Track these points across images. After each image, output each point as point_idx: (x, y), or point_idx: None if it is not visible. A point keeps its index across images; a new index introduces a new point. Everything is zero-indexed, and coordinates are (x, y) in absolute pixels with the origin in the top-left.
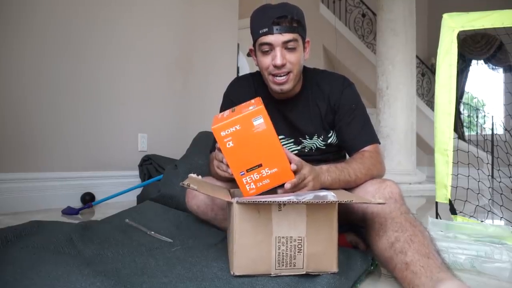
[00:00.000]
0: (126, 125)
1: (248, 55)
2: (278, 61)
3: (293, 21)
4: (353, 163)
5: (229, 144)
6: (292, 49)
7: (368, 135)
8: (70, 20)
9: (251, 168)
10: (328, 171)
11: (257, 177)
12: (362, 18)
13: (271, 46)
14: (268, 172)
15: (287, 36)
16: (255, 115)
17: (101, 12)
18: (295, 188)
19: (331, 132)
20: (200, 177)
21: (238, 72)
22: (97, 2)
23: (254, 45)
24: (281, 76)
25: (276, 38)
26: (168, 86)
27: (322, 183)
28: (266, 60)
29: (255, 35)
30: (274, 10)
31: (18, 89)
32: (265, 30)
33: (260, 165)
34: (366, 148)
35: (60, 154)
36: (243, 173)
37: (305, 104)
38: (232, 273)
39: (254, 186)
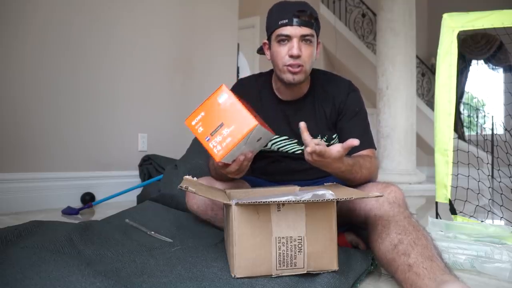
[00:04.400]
0: (126, 125)
1: (258, 51)
2: (295, 51)
3: (311, 17)
4: (363, 167)
5: (199, 130)
6: (308, 44)
7: (368, 140)
8: (70, 20)
9: (214, 130)
10: (350, 171)
11: (220, 138)
12: (362, 18)
13: (289, 37)
14: (227, 131)
15: (305, 30)
16: (219, 94)
17: (101, 12)
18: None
19: (336, 133)
20: (195, 178)
21: (238, 72)
22: (98, 2)
23: (269, 38)
24: (295, 66)
25: (295, 30)
26: (168, 86)
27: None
28: (282, 50)
29: (274, 26)
30: (295, 5)
31: (18, 89)
32: (285, 21)
33: (221, 125)
34: (367, 152)
35: (60, 154)
36: (208, 138)
37: (310, 105)
38: (233, 275)
39: (220, 148)
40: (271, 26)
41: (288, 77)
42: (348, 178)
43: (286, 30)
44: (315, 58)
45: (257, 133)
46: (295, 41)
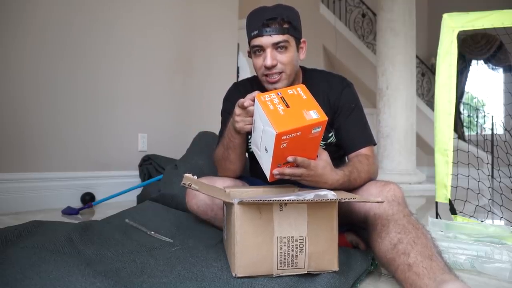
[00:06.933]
0: (126, 125)
1: (249, 55)
2: (268, 62)
3: (283, 23)
4: (361, 172)
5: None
6: (283, 50)
7: (366, 136)
8: (69, 20)
9: (283, 100)
10: (339, 182)
11: (274, 100)
12: (362, 18)
13: (262, 47)
14: (279, 108)
15: (277, 38)
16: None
17: (100, 12)
18: (284, 174)
19: (332, 131)
20: (195, 177)
21: (238, 72)
22: (97, 2)
23: (249, 47)
24: (273, 76)
25: (266, 40)
26: (168, 86)
27: (324, 187)
28: (259, 62)
29: (248, 36)
30: (265, 12)
31: (18, 89)
32: (256, 32)
33: (288, 106)
34: (365, 151)
35: (60, 154)
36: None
37: None
38: (234, 274)
39: (266, 97)
40: (247, 36)
41: (268, 86)
42: (348, 187)
43: (258, 41)
44: (299, 59)
45: (269, 138)
46: (268, 52)
